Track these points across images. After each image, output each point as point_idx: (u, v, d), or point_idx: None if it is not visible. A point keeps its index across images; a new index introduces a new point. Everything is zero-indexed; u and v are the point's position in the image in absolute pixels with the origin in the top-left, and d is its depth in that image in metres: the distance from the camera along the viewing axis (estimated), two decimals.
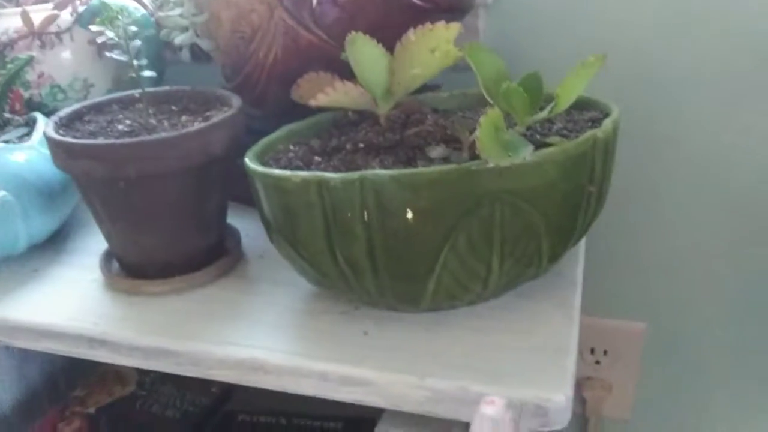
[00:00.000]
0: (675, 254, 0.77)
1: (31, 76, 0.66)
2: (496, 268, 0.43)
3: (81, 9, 0.67)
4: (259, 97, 0.57)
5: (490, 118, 0.40)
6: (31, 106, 0.67)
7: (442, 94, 0.55)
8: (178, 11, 0.56)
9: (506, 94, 0.43)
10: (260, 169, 0.43)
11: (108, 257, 0.55)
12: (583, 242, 0.56)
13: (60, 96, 0.67)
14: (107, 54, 0.50)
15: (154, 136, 0.46)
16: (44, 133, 0.50)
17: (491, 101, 0.45)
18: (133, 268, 0.53)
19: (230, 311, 0.49)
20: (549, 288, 0.49)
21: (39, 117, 0.62)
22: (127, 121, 0.52)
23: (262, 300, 0.50)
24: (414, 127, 0.48)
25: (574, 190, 0.44)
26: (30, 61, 0.64)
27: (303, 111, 0.53)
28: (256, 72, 0.56)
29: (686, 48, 0.67)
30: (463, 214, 0.41)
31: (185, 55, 0.58)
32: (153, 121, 0.52)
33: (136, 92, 0.56)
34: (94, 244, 0.59)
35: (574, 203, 0.45)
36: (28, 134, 0.61)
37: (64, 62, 0.67)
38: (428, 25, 0.45)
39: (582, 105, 0.53)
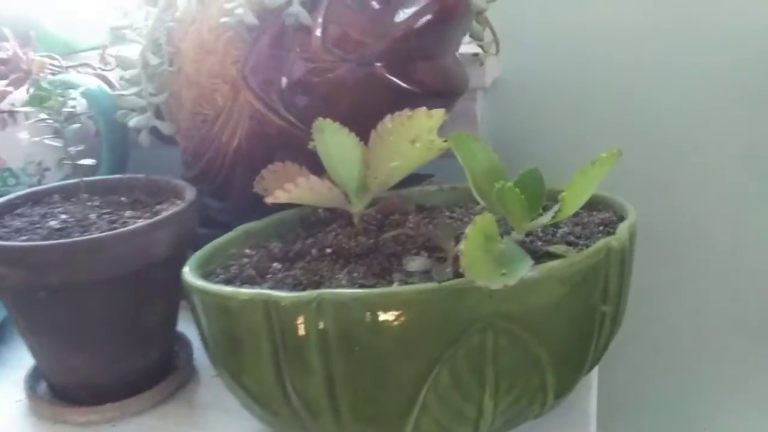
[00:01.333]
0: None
1: None
2: (489, 409, 0.35)
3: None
4: (221, 187, 0.50)
5: (478, 227, 0.32)
6: None
7: (428, 189, 0.48)
8: (134, 90, 0.49)
9: (501, 195, 0.35)
10: (196, 282, 0.35)
11: (35, 375, 0.47)
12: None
13: (11, 181, 0.61)
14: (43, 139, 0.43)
15: (79, 238, 0.39)
16: None
17: (482, 202, 0.38)
18: (61, 391, 0.44)
19: None
20: (556, 426, 0.41)
21: None
22: (63, 216, 0.45)
23: None
24: (392, 230, 0.40)
25: (585, 312, 0.36)
26: None
27: (273, 205, 0.45)
28: (218, 158, 0.49)
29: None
30: (447, 345, 0.33)
31: (144, 138, 0.52)
32: (93, 215, 0.45)
33: (80, 180, 0.49)
34: (26, 355, 0.50)
35: (584, 327, 0.37)
36: None
37: (17, 143, 0.60)
38: (407, 111, 0.38)
39: (592, 204, 0.45)
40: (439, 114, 0.37)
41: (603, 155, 0.33)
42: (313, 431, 0.36)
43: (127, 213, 0.45)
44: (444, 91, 0.48)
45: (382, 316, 0.32)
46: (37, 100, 0.41)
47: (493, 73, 0.65)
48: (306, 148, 0.47)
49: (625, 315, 0.41)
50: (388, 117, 0.38)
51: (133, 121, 0.50)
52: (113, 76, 0.67)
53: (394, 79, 0.46)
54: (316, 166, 0.48)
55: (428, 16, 0.45)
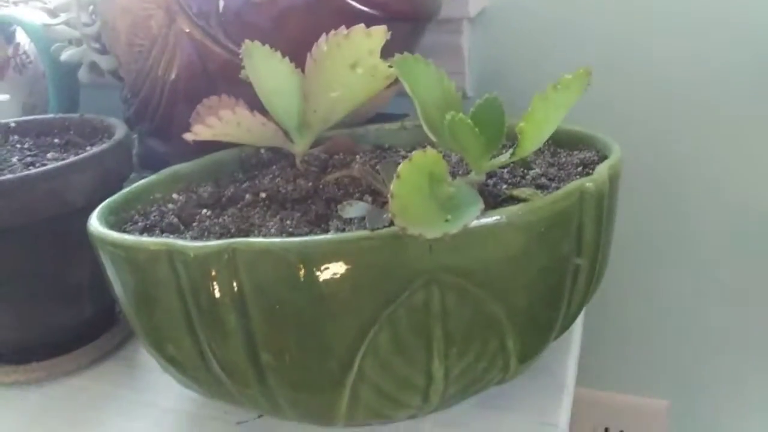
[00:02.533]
0: (701, 320, 0.62)
1: None
2: (439, 375, 0.30)
3: None
4: (161, 126, 0.45)
5: (416, 164, 0.27)
6: None
7: (388, 126, 0.42)
8: (62, 19, 0.44)
9: (452, 128, 0.30)
10: (98, 230, 0.31)
11: None
12: (579, 321, 0.42)
13: None
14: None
15: None
16: None
17: (434, 138, 0.32)
18: None
19: (96, 413, 0.37)
20: (525, 392, 0.36)
21: None
22: None
23: (140, 398, 0.38)
24: (335, 172, 0.35)
25: (553, 266, 0.31)
26: None
27: (220, 146, 0.40)
28: (155, 93, 0.44)
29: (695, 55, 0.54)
30: (385, 303, 0.28)
31: (83, 75, 0.47)
32: (15, 159, 0.40)
33: (11, 121, 0.44)
34: None
35: (552, 283, 0.32)
36: None
37: None
38: (342, 30, 0.32)
39: (573, 142, 0.40)
40: (379, 32, 0.32)
41: (568, 77, 0.27)
42: (240, 400, 0.32)
43: (50, 155, 0.40)
44: (410, 13, 0.42)
45: (304, 270, 0.27)
46: None
47: (480, 2, 0.59)
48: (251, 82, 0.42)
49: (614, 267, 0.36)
50: (323, 38, 0.33)
51: (66, 55, 0.45)
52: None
53: (351, 2, 0.40)
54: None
55: None
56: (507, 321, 0.30)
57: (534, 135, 0.29)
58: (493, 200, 0.32)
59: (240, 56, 0.41)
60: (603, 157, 0.37)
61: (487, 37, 0.60)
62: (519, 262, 0.29)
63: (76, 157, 0.36)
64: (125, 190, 0.35)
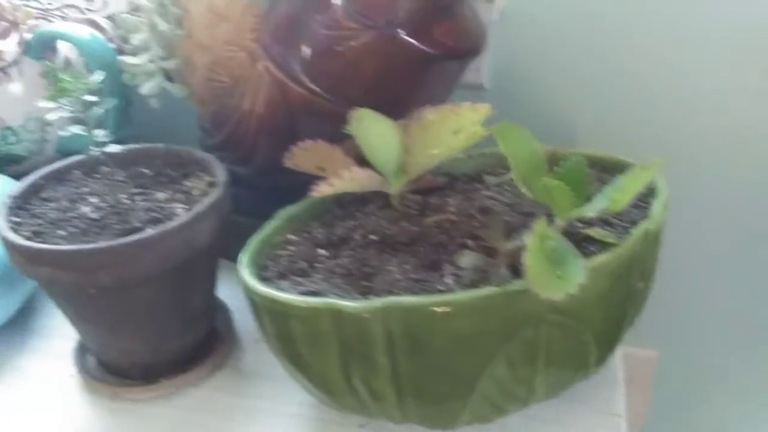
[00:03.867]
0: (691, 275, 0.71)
1: None
2: (539, 388, 0.38)
3: (28, 36, 0.58)
4: (247, 155, 0.50)
5: (538, 237, 0.33)
6: None
7: (458, 157, 0.48)
8: (145, 58, 0.47)
9: (547, 190, 0.36)
10: (260, 289, 0.36)
11: (82, 350, 0.48)
12: None
13: (12, 139, 0.59)
14: (62, 132, 0.41)
15: (131, 239, 0.39)
16: None
17: (528, 193, 0.38)
18: (113, 368, 0.46)
19: (225, 423, 0.43)
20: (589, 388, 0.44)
21: None
22: (93, 200, 0.44)
23: (263, 406, 0.44)
24: (434, 215, 0.41)
25: (626, 293, 0.39)
26: None
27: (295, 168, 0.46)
28: (242, 127, 0.48)
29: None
30: (504, 340, 0.35)
31: (154, 103, 0.50)
32: (124, 197, 0.44)
33: (99, 151, 0.48)
34: (63, 321, 0.51)
35: (623, 306, 0.39)
36: None
37: (13, 100, 0.58)
38: (451, 105, 0.38)
39: (618, 168, 0.46)
40: (485, 108, 0.37)
41: (653, 162, 0.34)
42: (374, 412, 0.39)
43: (160, 195, 0.45)
44: (466, 50, 0.47)
45: (445, 320, 0.34)
46: (59, 93, 0.39)
47: (499, 4, 0.63)
48: (329, 116, 0.47)
49: None
50: (430, 109, 0.38)
51: (146, 88, 0.48)
52: (100, 16, 0.64)
53: (417, 44, 0.45)
54: (340, 133, 0.48)
55: None
56: (593, 342, 0.38)
57: (622, 202, 0.36)
58: (572, 240, 0.39)
59: (319, 95, 0.46)
60: (650, 190, 0.43)
61: (503, 33, 0.65)
62: (605, 297, 0.37)
63: (203, 206, 0.41)
64: (256, 241, 0.41)
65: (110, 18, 0.64)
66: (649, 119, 0.63)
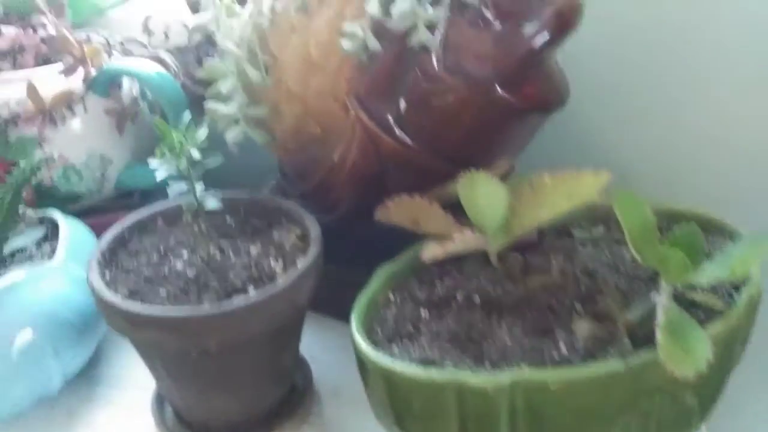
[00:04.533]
0: None
1: (39, 157, 0.56)
2: None
3: (93, 72, 0.57)
4: (332, 205, 0.49)
5: (667, 314, 0.33)
6: (41, 192, 0.57)
7: None
8: (234, 106, 0.46)
9: (663, 258, 0.36)
10: (380, 360, 0.36)
11: (160, 402, 0.47)
12: None
13: (74, 178, 0.58)
14: (172, 191, 0.41)
15: (240, 304, 0.38)
16: (90, 287, 0.41)
17: (640, 260, 0.38)
18: (197, 425, 0.45)
19: None
20: None
21: (59, 218, 0.52)
22: (184, 253, 0.44)
23: None
24: (537, 276, 0.41)
25: (729, 359, 0.39)
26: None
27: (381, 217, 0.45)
28: (331, 178, 0.48)
29: None
30: (623, 411, 0.35)
31: (233, 148, 0.49)
32: (215, 251, 0.44)
33: (184, 202, 0.47)
34: (135, 370, 0.50)
35: (728, 367, 0.39)
36: (46, 239, 0.52)
37: (77, 138, 0.57)
38: (571, 171, 0.37)
39: (704, 227, 0.46)
40: (606, 175, 0.37)
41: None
42: None
43: (253, 249, 0.44)
44: (555, 103, 0.47)
45: (570, 394, 0.33)
46: (170, 149, 0.38)
47: None
48: (418, 167, 0.47)
49: None
50: (547, 175, 0.38)
51: (231, 136, 0.48)
52: (163, 49, 0.63)
53: (512, 99, 0.45)
54: (430, 184, 0.48)
55: (548, 33, 0.44)
56: (697, 405, 0.38)
57: (744, 273, 0.36)
58: (678, 305, 0.39)
59: (411, 146, 0.46)
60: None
61: None
62: (713, 366, 0.37)
63: (305, 265, 0.41)
64: (362, 303, 0.40)
65: (173, 50, 0.64)
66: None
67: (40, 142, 0.55)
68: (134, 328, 0.39)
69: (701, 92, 0.59)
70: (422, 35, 0.41)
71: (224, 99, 0.48)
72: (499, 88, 0.44)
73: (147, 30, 0.64)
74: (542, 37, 0.43)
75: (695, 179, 0.61)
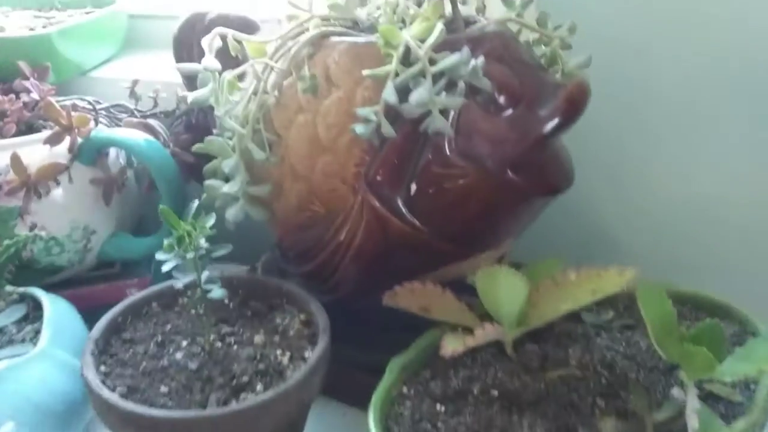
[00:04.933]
0: None
1: (20, 228, 0.53)
2: None
3: (79, 140, 0.55)
4: (335, 285, 0.47)
5: (701, 421, 0.33)
6: (19, 264, 0.54)
7: None
8: (236, 186, 0.45)
9: (687, 355, 0.36)
10: None
11: None
12: None
13: (56, 250, 0.55)
14: (177, 286, 0.38)
15: (250, 403, 0.36)
16: (85, 383, 0.38)
17: (663, 354, 0.38)
18: None
19: None
20: None
21: (41, 296, 0.49)
22: (184, 343, 0.41)
23: None
24: (555, 368, 0.40)
25: None
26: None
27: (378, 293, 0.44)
28: (335, 258, 0.46)
29: None
30: None
31: (230, 225, 0.47)
32: (216, 341, 0.42)
33: (179, 284, 0.45)
34: None
35: None
36: (27, 318, 0.49)
37: (60, 209, 0.54)
38: (596, 269, 0.37)
39: (708, 309, 0.46)
40: (631, 273, 0.37)
41: None
42: None
43: (257, 338, 0.42)
44: (563, 187, 0.47)
45: None
46: (178, 244, 0.36)
47: None
48: (425, 248, 0.45)
49: None
50: (572, 271, 0.37)
51: (231, 215, 0.46)
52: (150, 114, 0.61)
53: (523, 183, 0.44)
54: (432, 263, 0.46)
55: (559, 118, 0.43)
56: None
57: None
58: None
59: (419, 228, 0.45)
60: (751, 332, 0.43)
61: None
62: None
63: (315, 359, 0.39)
64: (377, 398, 0.38)
65: (160, 116, 0.62)
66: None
67: (22, 214, 0.52)
68: (136, 430, 0.36)
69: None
70: (438, 123, 0.41)
71: (224, 176, 0.46)
72: (510, 172, 0.43)
73: (134, 94, 0.62)
74: (553, 122, 0.43)
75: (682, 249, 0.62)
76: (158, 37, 0.74)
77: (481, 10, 0.52)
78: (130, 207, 0.59)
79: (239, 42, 0.48)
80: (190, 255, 0.37)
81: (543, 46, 0.51)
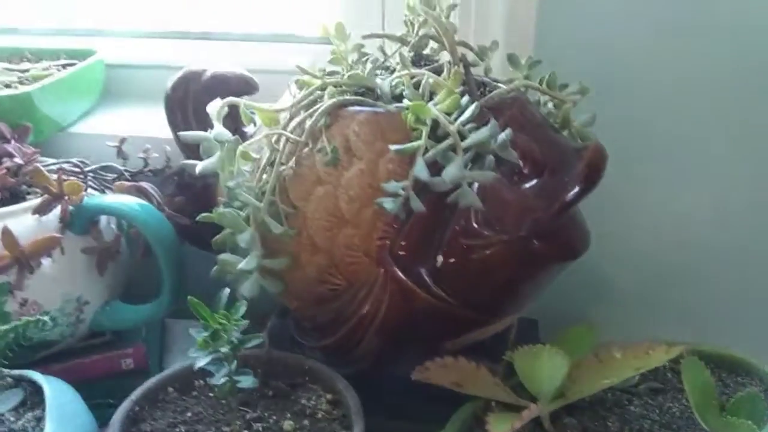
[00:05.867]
0: None
1: (10, 305, 0.50)
2: None
3: (70, 209, 0.52)
4: (357, 358, 0.46)
5: None
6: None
7: None
8: (253, 262, 0.43)
9: (730, 427, 0.36)
10: None
11: None
12: None
13: (48, 325, 0.51)
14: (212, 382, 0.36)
15: None
16: None
17: (704, 426, 0.38)
18: None
19: None
20: None
21: (40, 379, 0.46)
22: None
23: None
24: None
25: None
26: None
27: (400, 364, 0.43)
28: (358, 332, 0.45)
29: None
30: None
31: (243, 297, 0.45)
32: (245, 431, 0.40)
33: (197, 365, 0.43)
34: None
35: None
36: (24, 403, 0.46)
37: (52, 282, 0.51)
38: (644, 347, 0.37)
39: (730, 366, 0.46)
40: (679, 349, 0.37)
41: None
42: None
43: (286, 425, 0.40)
44: (582, 251, 0.47)
45: None
46: (213, 341, 0.34)
47: None
48: (450, 318, 0.45)
49: None
50: (617, 348, 0.37)
51: (246, 291, 0.44)
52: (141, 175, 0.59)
53: (548, 250, 0.44)
54: (458, 332, 0.46)
55: (581, 184, 0.43)
56: None
57: None
58: None
59: (445, 300, 0.44)
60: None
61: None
62: None
63: None
64: None
65: (149, 175, 0.60)
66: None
67: (13, 290, 0.49)
68: None
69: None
70: (469, 197, 0.40)
71: (233, 246, 0.44)
72: (535, 241, 0.43)
73: (121, 153, 0.59)
74: (575, 189, 0.43)
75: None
76: (136, 87, 0.72)
77: (489, 70, 0.52)
78: (123, 274, 0.57)
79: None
80: (224, 349, 0.35)
81: (551, 106, 0.51)
